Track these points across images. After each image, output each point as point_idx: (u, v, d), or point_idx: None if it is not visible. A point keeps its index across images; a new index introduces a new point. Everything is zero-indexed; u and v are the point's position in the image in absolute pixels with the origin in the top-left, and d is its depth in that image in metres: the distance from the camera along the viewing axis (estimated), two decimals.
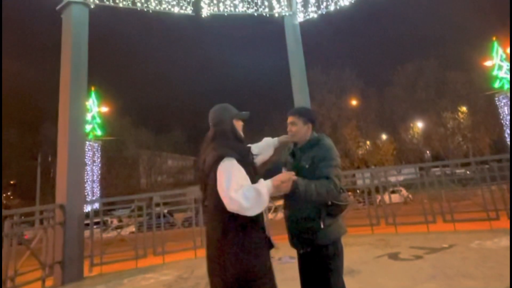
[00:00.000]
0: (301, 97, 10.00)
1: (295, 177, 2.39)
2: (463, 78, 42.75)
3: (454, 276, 4.68)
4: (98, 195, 32.59)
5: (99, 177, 33.87)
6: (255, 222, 2.28)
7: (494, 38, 32.03)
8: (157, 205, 8.63)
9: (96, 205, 12.63)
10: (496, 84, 31.82)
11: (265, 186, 2.16)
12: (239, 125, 2.60)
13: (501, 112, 31.03)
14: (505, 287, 4.15)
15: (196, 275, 6.37)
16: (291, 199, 2.73)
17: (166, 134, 52.72)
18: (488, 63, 32.66)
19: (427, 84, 45.81)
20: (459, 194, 9.76)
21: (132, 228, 9.00)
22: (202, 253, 8.22)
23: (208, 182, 2.33)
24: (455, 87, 43.60)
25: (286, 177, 2.32)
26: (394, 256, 6.04)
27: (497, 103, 31.22)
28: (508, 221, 7.60)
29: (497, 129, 39.62)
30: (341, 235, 2.75)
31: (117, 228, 13.95)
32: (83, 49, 8.26)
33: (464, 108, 44.50)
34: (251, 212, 2.09)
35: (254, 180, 2.24)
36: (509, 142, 30.45)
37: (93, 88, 37.07)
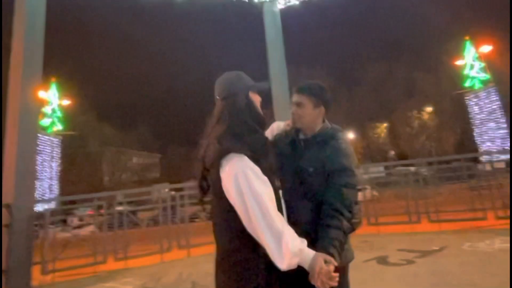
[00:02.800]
0: (279, 90, 9.28)
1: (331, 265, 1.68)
2: (431, 78, 43.50)
3: (457, 286, 4.16)
4: (57, 193, 30.87)
5: (58, 174, 32.10)
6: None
7: (466, 38, 32.48)
8: (120, 203, 7.81)
9: (54, 204, 11.62)
10: (467, 84, 32.35)
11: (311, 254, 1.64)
12: (256, 100, 1.95)
13: (471, 111, 31.55)
14: None
15: (163, 284, 5.63)
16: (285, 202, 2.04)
17: (131, 131, 51.05)
18: (459, 62, 33.16)
19: (396, 84, 46.41)
20: (424, 192, 9.48)
21: (93, 227, 8.21)
22: (169, 257, 7.47)
23: (210, 182, 1.81)
24: (422, 88, 44.34)
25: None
26: (383, 261, 5.50)
27: (467, 103, 31.72)
28: (496, 221, 7.28)
29: (462, 129, 40.47)
30: (348, 262, 2.07)
31: (76, 227, 12.99)
32: (38, 28, 7.28)
33: (429, 109, 45.34)
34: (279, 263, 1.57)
35: (272, 184, 1.70)
36: (476, 142, 31.08)
37: (53, 80, 35.16)
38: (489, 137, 30.32)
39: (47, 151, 30.21)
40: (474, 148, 30.44)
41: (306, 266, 1.59)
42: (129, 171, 52.11)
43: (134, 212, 9.06)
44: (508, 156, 9.76)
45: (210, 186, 1.81)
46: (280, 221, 1.61)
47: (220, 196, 1.69)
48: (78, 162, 43.18)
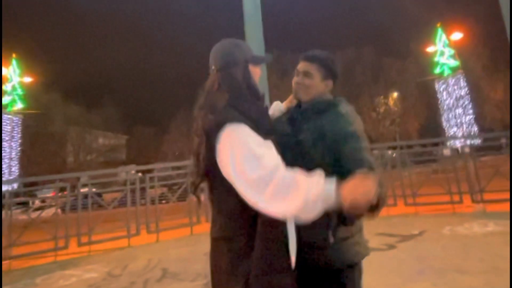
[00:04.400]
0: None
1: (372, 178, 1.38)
2: (398, 65, 44.16)
3: (445, 271, 3.97)
4: (17, 174, 29.54)
5: (19, 154, 30.71)
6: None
7: (438, 25, 33.00)
8: (85, 185, 7.30)
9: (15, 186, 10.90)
10: (437, 70, 32.96)
11: (331, 184, 1.36)
12: (256, 74, 1.74)
13: (439, 97, 32.28)
14: (507, 283, 3.49)
15: (131, 271, 5.21)
16: None
17: (98, 111, 49.39)
18: (430, 49, 33.69)
19: (364, 69, 46.86)
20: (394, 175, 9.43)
21: (54, 210, 7.68)
22: (137, 241, 7.05)
23: (207, 159, 1.54)
24: (389, 74, 44.96)
25: (365, 181, 1.35)
26: None
27: (437, 88, 32.40)
28: (472, 205, 7.23)
29: (427, 114, 41.44)
30: (362, 257, 1.79)
31: (37, 209, 12.28)
32: None
33: (395, 94, 46.17)
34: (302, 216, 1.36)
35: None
36: (442, 127, 31.88)
37: (14, 55, 33.37)
38: (456, 122, 31.10)
39: (7, 130, 28.78)
40: (437, 133, 31.21)
41: (336, 197, 1.33)
42: (94, 152, 50.73)
43: (99, 194, 8.56)
44: (474, 140, 9.76)
45: (206, 161, 1.55)
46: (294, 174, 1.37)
47: (216, 172, 1.48)
48: (41, 142, 41.53)
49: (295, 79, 1.93)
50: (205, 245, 5.64)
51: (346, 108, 1.84)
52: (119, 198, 7.72)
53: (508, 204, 6.77)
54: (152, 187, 7.63)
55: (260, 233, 1.46)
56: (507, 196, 6.91)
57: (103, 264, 5.75)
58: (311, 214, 1.33)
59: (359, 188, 1.30)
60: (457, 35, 32.32)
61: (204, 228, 7.55)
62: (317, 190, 1.31)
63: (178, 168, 8.83)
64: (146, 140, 53.12)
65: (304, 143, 1.76)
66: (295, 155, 1.72)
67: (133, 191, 7.46)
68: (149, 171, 8.04)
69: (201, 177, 1.59)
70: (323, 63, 1.90)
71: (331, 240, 1.70)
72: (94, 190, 7.41)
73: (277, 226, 1.47)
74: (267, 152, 1.42)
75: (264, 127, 1.54)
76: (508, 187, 6.96)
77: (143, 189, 7.60)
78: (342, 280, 1.73)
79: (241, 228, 1.48)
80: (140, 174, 8.59)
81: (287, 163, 1.60)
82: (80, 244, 6.76)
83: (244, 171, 1.36)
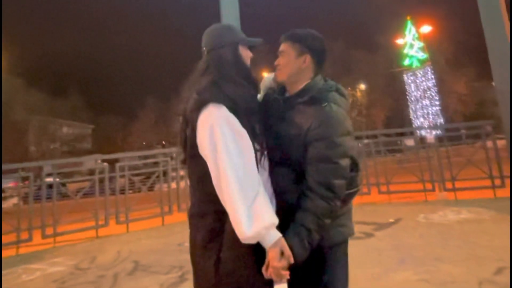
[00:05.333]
0: None
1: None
2: (368, 57, 44.72)
3: (426, 260, 3.94)
4: None
5: None
6: None
7: (408, 18, 33.55)
8: (49, 174, 6.91)
9: None
10: (406, 62, 33.58)
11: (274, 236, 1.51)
12: (247, 56, 1.78)
13: (407, 88, 32.95)
14: (491, 272, 3.48)
15: (99, 264, 4.95)
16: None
17: (62, 100, 47.61)
18: (400, 41, 34.26)
19: (335, 61, 47.24)
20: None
21: (16, 200, 7.24)
22: (105, 232, 6.75)
23: (188, 140, 1.62)
24: (359, 66, 45.51)
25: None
26: None
27: (405, 80, 33.04)
28: (443, 192, 7.32)
29: (393, 106, 42.29)
30: (345, 237, 1.80)
31: None
32: None
33: (362, 86, 46.84)
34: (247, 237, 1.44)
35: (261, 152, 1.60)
36: (408, 118, 32.61)
37: None
38: (422, 113, 31.89)
39: None
40: (403, 123, 31.92)
41: (265, 246, 1.47)
42: (58, 141, 49.12)
43: (63, 184, 8.11)
44: (439, 131, 9.92)
45: (190, 142, 1.60)
46: (257, 184, 1.46)
47: (194, 153, 1.56)
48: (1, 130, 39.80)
49: (275, 63, 1.84)
50: (178, 236, 5.45)
51: (334, 101, 1.71)
52: (87, 187, 7.33)
53: (476, 192, 6.93)
54: (122, 176, 7.30)
55: None
56: (475, 183, 7.07)
57: (70, 256, 5.44)
58: (248, 233, 1.39)
59: (273, 266, 1.44)
60: (426, 28, 33.02)
61: (176, 218, 7.34)
62: (267, 228, 1.43)
63: (146, 157, 8.51)
64: (112, 130, 51.87)
65: (283, 135, 1.69)
66: (275, 143, 1.69)
67: (101, 181, 7.12)
68: (115, 161, 7.70)
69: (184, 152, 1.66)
70: (297, 38, 1.78)
71: (326, 244, 1.69)
72: (57, 180, 6.97)
73: None
74: (242, 145, 1.48)
75: (246, 111, 1.56)
76: (475, 176, 7.12)
77: (112, 179, 7.28)
78: (324, 260, 1.71)
79: (214, 205, 1.50)
80: (105, 164, 8.22)
81: (268, 148, 1.66)
82: (44, 236, 6.40)
83: (223, 160, 1.43)
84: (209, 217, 1.55)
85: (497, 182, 6.84)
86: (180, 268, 4.43)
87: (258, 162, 1.54)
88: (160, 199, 7.37)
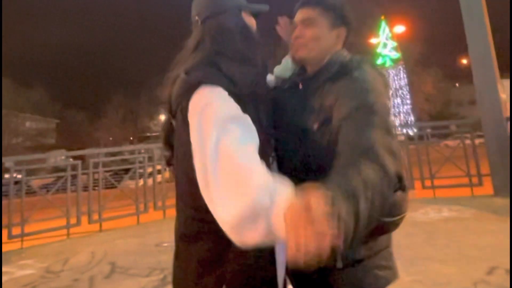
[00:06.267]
0: None
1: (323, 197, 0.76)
2: None
3: (416, 260, 3.87)
4: None
5: None
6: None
7: (382, 17, 34.12)
8: (9, 170, 6.51)
9: None
10: (379, 61, 34.20)
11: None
12: (251, 25, 1.35)
13: None
14: (483, 272, 3.45)
15: (73, 267, 4.65)
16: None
17: (25, 93, 45.79)
18: (373, 40, 34.83)
19: None
20: None
21: None
22: (78, 230, 6.40)
23: (176, 134, 1.20)
24: None
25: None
26: None
27: None
28: (423, 191, 7.36)
29: None
30: (385, 284, 1.30)
31: None
32: None
33: None
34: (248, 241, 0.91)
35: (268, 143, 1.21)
36: None
37: None
38: (394, 112, 32.59)
39: None
40: None
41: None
42: (21, 136, 47.29)
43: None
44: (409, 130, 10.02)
45: (176, 137, 1.22)
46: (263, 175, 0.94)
47: (185, 151, 1.09)
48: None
49: (293, 35, 1.41)
50: (155, 236, 5.18)
51: (368, 70, 1.29)
52: (60, 183, 6.89)
53: (453, 190, 7.01)
54: (95, 173, 6.95)
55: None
56: (455, 181, 7.15)
57: (40, 258, 5.10)
58: (248, 232, 0.90)
59: (304, 222, 0.73)
60: (399, 28, 33.72)
61: (152, 217, 7.07)
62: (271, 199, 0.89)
63: (113, 154, 8.19)
64: (78, 125, 50.42)
65: (306, 126, 1.28)
66: (295, 140, 1.30)
67: (74, 177, 6.75)
68: (81, 157, 7.31)
69: (169, 150, 1.29)
70: (331, 5, 1.40)
71: (340, 264, 1.23)
72: (19, 176, 6.51)
73: None
74: (242, 134, 1.02)
75: (251, 97, 1.16)
76: (455, 173, 7.21)
77: (84, 175, 6.91)
78: None
79: (211, 224, 1.03)
80: (71, 160, 7.84)
81: (285, 149, 1.31)
82: (10, 237, 5.99)
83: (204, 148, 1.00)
84: (205, 240, 1.14)
85: (475, 180, 6.93)
86: (161, 270, 4.20)
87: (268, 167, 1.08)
88: (135, 197, 7.07)
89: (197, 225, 1.16)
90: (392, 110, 1.26)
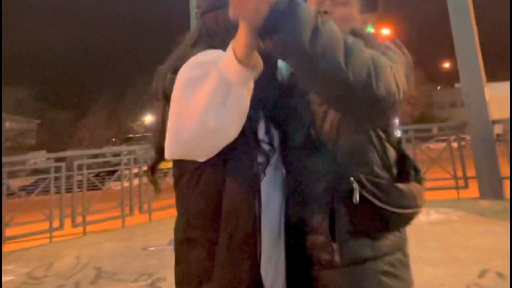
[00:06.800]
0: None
1: None
2: None
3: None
4: None
5: None
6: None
7: None
8: None
9: None
10: None
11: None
12: None
13: None
14: (474, 275, 3.46)
15: (57, 272, 4.51)
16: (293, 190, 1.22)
17: (7, 91, 44.87)
18: None
19: None
20: None
21: None
22: (61, 234, 6.23)
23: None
24: None
25: None
26: None
27: None
28: None
29: None
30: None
31: None
32: None
33: None
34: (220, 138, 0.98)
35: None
36: None
37: None
38: None
39: None
40: None
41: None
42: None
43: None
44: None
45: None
46: None
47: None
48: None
49: (320, 9, 1.26)
50: (141, 239, 5.06)
51: (388, 45, 1.18)
52: (42, 185, 6.67)
53: (439, 192, 7.02)
54: (79, 175, 6.78)
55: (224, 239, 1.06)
56: (438, 184, 7.17)
57: (22, 263, 4.93)
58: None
59: None
60: (385, 31, 34.15)
61: (138, 220, 6.94)
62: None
63: (96, 156, 8.00)
64: (60, 125, 49.56)
65: (313, 108, 1.19)
66: (304, 131, 1.20)
67: (58, 179, 6.56)
68: (61, 159, 7.12)
69: (160, 154, 1.17)
70: None
71: (337, 258, 1.11)
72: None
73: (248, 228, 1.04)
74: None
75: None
76: (441, 176, 7.25)
77: (68, 177, 6.74)
78: None
79: (207, 232, 1.12)
80: (52, 161, 7.64)
81: (294, 142, 1.21)
82: None
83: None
84: (199, 247, 1.13)
85: (461, 182, 6.99)
86: (149, 275, 4.10)
87: (260, 170, 1.09)
88: (121, 200, 6.92)
89: (193, 232, 1.15)
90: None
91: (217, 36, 1.19)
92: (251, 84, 0.96)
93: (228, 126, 0.95)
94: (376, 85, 0.90)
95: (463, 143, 7.20)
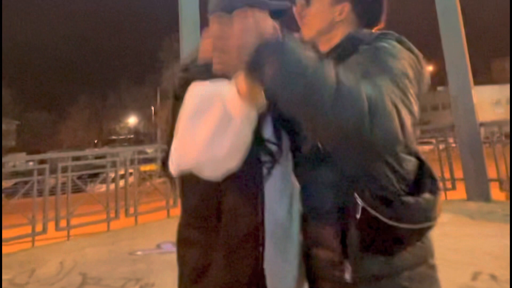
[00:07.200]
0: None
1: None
2: None
3: None
4: None
5: None
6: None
7: None
8: None
9: None
10: None
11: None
12: (265, 25, 1.11)
13: None
14: (467, 277, 3.46)
15: (40, 278, 4.35)
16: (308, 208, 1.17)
17: None
18: None
19: None
20: None
21: None
22: (44, 238, 6.04)
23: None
24: None
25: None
26: None
27: None
28: None
29: None
30: None
31: None
32: None
33: None
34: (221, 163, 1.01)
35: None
36: None
37: None
38: None
39: None
40: None
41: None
42: None
43: None
44: None
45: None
46: None
47: None
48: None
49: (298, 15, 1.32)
50: (127, 243, 4.93)
51: (390, 42, 1.09)
52: (25, 188, 6.43)
53: None
54: (63, 177, 6.58)
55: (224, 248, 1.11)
56: None
57: (3, 270, 4.73)
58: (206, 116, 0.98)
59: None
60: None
61: (123, 224, 6.77)
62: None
63: (78, 158, 7.82)
64: (40, 127, 48.72)
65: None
66: (302, 136, 1.17)
67: (40, 182, 6.36)
68: (43, 161, 6.88)
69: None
70: None
71: (347, 276, 1.05)
72: None
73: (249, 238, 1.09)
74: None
75: None
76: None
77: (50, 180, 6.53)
78: None
79: (202, 234, 1.15)
80: (31, 163, 7.40)
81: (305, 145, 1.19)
82: None
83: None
84: (197, 248, 1.15)
85: (448, 184, 7.04)
86: (136, 281, 3.99)
87: (260, 175, 1.12)
88: (106, 203, 6.74)
89: (191, 233, 1.18)
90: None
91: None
92: (254, 117, 0.99)
93: (230, 157, 0.99)
94: (369, 130, 0.77)
95: (453, 145, 7.26)
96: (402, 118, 0.83)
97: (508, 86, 49.64)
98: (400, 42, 1.11)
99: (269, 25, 0.96)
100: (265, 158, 1.12)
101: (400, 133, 0.82)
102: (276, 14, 1.25)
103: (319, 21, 1.25)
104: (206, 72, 1.05)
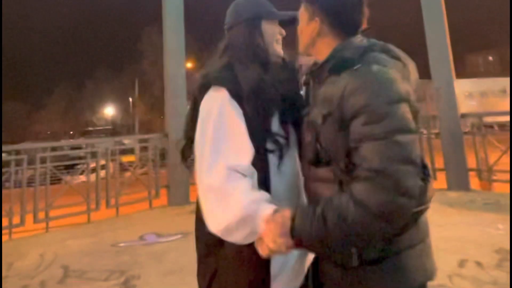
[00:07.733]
0: (175, 47, 7.56)
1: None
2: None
3: None
4: None
5: None
6: None
7: None
8: None
9: None
10: None
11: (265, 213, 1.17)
12: (271, 33, 1.52)
13: None
14: (454, 265, 3.51)
15: (19, 272, 4.20)
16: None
17: None
18: None
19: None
20: None
21: None
22: (21, 230, 5.87)
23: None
24: None
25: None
26: None
27: None
28: None
29: None
30: (421, 284, 1.21)
31: None
32: None
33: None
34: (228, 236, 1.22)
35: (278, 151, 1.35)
36: None
37: None
38: None
39: None
40: None
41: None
42: None
43: None
44: None
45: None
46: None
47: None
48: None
49: None
50: (109, 235, 4.80)
51: (377, 62, 1.16)
52: (3, 178, 6.19)
53: None
54: (42, 168, 6.36)
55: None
56: None
57: None
58: (236, 233, 1.19)
59: (273, 234, 1.11)
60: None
61: (104, 215, 6.61)
62: (251, 207, 1.16)
63: (54, 149, 7.60)
64: (14, 118, 47.37)
65: (313, 119, 1.23)
66: (307, 135, 1.27)
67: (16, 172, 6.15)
68: (18, 152, 6.64)
69: (188, 140, 1.45)
70: None
71: (354, 262, 1.12)
72: None
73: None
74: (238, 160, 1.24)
75: (252, 96, 1.32)
76: None
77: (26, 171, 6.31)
78: None
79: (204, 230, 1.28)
80: (4, 154, 7.14)
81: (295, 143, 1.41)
82: None
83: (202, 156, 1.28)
84: (202, 241, 1.43)
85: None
86: (121, 273, 3.90)
87: (268, 165, 1.31)
88: (86, 194, 6.57)
89: (198, 228, 1.41)
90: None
91: (236, 50, 1.45)
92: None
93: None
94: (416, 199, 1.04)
95: (433, 136, 7.37)
96: (416, 151, 1.07)
97: (480, 80, 53.90)
98: (386, 52, 1.24)
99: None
100: (272, 147, 1.30)
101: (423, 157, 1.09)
102: (284, 23, 1.54)
103: (304, 37, 1.39)
104: (220, 79, 1.35)
